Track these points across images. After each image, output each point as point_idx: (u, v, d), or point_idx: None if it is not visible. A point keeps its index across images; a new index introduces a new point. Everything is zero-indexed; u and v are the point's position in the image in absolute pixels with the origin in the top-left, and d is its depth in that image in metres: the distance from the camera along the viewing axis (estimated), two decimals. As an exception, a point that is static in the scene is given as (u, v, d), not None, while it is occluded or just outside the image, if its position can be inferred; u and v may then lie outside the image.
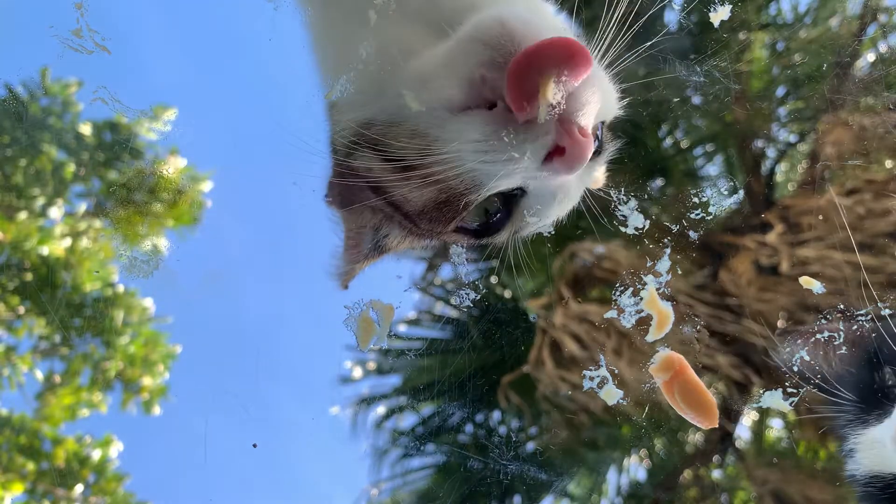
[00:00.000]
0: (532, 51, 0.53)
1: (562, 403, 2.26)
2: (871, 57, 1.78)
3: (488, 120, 0.56)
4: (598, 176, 0.87)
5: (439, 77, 0.58)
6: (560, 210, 0.73)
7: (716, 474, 2.40)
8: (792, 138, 2.33)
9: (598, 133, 0.70)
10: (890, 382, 0.82)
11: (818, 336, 0.91)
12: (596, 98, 0.59)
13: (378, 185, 0.65)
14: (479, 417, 2.40)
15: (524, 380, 2.25)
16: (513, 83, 0.53)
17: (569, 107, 0.56)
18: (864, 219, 1.77)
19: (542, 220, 0.72)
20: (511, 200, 0.68)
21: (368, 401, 2.32)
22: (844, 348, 0.90)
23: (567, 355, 2.11)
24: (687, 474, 2.32)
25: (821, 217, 1.92)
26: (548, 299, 2.28)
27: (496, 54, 0.55)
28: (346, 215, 0.74)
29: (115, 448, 2.17)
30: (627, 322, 0.86)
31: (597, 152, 0.71)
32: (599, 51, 0.66)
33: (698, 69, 1.02)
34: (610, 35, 0.66)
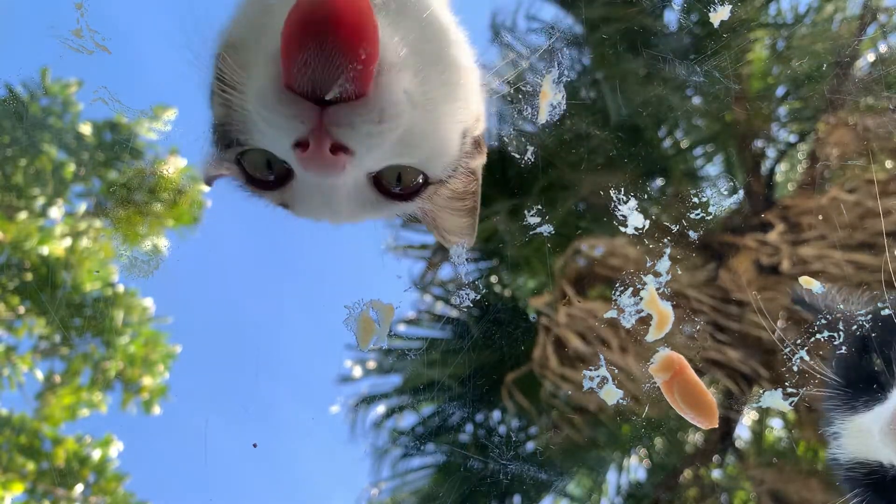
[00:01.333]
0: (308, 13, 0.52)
1: (566, 401, 2.26)
2: (871, 57, 1.78)
3: (273, 76, 0.56)
4: (452, 239, 0.84)
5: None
6: (318, 213, 0.72)
7: (716, 474, 2.41)
8: (792, 138, 2.33)
9: (411, 178, 0.68)
10: (878, 369, 0.82)
11: (818, 336, 0.91)
12: (379, 135, 0.57)
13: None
14: (480, 417, 2.40)
15: (528, 378, 2.25)
16: (286, 43, 0.53)
17: (336, 117, 0.55)
18: (865, 218, 1.77)
19: (301, 211, 0.71)
20: (285, 173, 0.68)
21: (368, 400, 2.33)
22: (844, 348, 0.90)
23: (572, 353, 2.11)
24: (687, 474, 2.33)
25: (821, 217, 1.92)
26: (550, 297, 2.28)
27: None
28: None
29: (115, 448, 2.18)
30: (627, 322, 0.86)
31: (401, 196, 0.69)
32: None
33: (698, 69, 1.02)
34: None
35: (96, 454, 2.13)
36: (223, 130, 0.65)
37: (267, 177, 0.68)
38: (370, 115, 0.55)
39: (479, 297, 0.88)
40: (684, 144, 2.39)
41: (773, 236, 2.01)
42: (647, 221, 0.87)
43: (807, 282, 0.89)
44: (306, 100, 0.54)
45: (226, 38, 0.66)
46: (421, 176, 0.67)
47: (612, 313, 0.87)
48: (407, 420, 2.39)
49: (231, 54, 0.63)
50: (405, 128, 0.59)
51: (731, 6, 0.83)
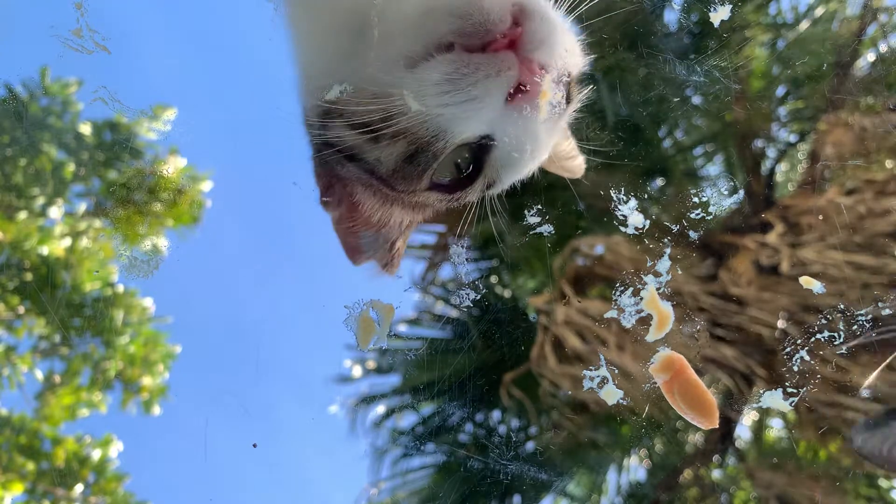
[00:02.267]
0: None
1: (565, 400, 2.27)
2: (871, 57, 1.78)
3: (447, 59, 0.56)
4: (578, 164, 0.86)
5: (402, 37, 0.58)
6: (532, 162, 0.72)
7: (716, 474, 2.41)
8: (792, 138, 2.33)
9: (566, 82, 0.69)
10: None
11: (818, 336, 0.91)
12: (556, 38, 0.58)
13: (352, 153, 0.66)
14: (480, 417, 2.40)
15: (527, 377, 2.25)
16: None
17: (528, 43, 0.55)
18: (864, 218, 1.77)
19: (514, 172, 0.72)
20: (481, 153, 0.67)
21: (368, 400, 2.32)
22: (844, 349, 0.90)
23: (570, 352, 2.11)
24: (687, 474, 2.32)
25: (821, 217, 1.92)
26: (549, 296, 2.28)
27: (467, 25, 0.55)
28: (340, 211, 0.75)
29: (115, 448, 2.17)
30: (628, 322, 0.86)
31: (567, 100, 0.70)
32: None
33: (698, 69, 1.02)
34: None
35: (96, 454, 2.13)
36: (403, 164, 0.64)
37: (461, 175, 0.68)
38: (546, 20, 0.56)
39: (479, 297, 0.88)
40: (684, 144, 2.39)
41: (772, 237, 2.01)
42: (648, 221, 0.87)
43: (807, 282, 0.89)
44: (492, 47, 0.54)
45: (325, 90, 0.64)
46: (567, 76, 0.68)
47: (612, 313, 0.87)
48: (407, 420, 2.39)
49: (360, 101, 0.61)
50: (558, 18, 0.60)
51: (731, 6, 0.83)
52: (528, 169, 0.73)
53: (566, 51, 0.63)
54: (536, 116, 0.59)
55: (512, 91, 0.57)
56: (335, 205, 0.75)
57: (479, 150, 0.66)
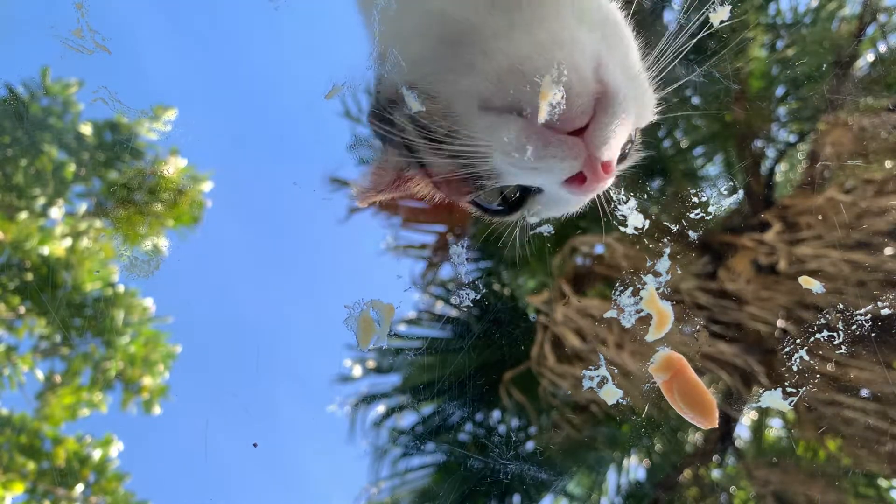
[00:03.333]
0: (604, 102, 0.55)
1: (564, 400, 2.27)
2: (871, 57, 1.78)
3: (522, 127, 0.57)
4: None
5: (486, 77, 0.58)
6: (570, 210, 0.75)
7: (716, 474, 2.41)
8: (792, 138, 2.33)
9: (631, 136, 0.71)
10: None
11: (817, 336, 0.91)
12: (626, 129, 0.60)
13: (409, 143, 0.67)
14: (480, 416, 2.40)
15: (526, 376, 2.25)
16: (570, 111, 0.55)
17: (598, 139, 0.57)
18: (863, 217, 1.77)
19: (556, 213, 0.74)
20: (527, 192, 0.69)
21: (368, 400, 2.33)
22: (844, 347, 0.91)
23: (570, 351, 2.11)
24: (687, 474, 2.33)
25: (820, 217, 1.93)
26: (549, 295, 2.28)
27: (573, 96, 0.55)
28: (383, 146, 0.75)
29: (116, 448, 2.17)
30: (627, 322, 0.86)
31: (621, 157, 0.72)
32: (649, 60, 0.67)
33: (698, 69, 1.02)
34: (668, 52, 0.67)
35: (96, 454, 2.13)
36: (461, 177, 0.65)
37: (503, 204, 0.70)
38: (617, 117, 0.57)
39: (478, 297, 0.88)
40: (684, 144, 2.39)
41: (770, 236, 2.01)
42: (647, 221, 0.87)
43: (806, 281, 0.89)
44: (570, 135, 0.56)
45: (411, 86, 0.64)
46: (633, 132, 0.71)
47: (611, 313, 0.87)
48: (407, 419, 2.39)
49: (431, 109, 0.62)
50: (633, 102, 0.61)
51: (730, 6, 0.83)
52: (566, 213, 0.76)
53: (639, 113, 0.65)
54: (586, 198, 0.62)
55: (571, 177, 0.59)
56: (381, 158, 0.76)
57: (526, 188, 0.69)
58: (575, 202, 0.71)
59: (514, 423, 2.39)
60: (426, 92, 0.63)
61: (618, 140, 0.59)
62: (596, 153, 0.57)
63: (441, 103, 0.62)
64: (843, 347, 0.92)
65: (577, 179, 0.59)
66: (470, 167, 0.62)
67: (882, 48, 1.80)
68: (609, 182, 0.61)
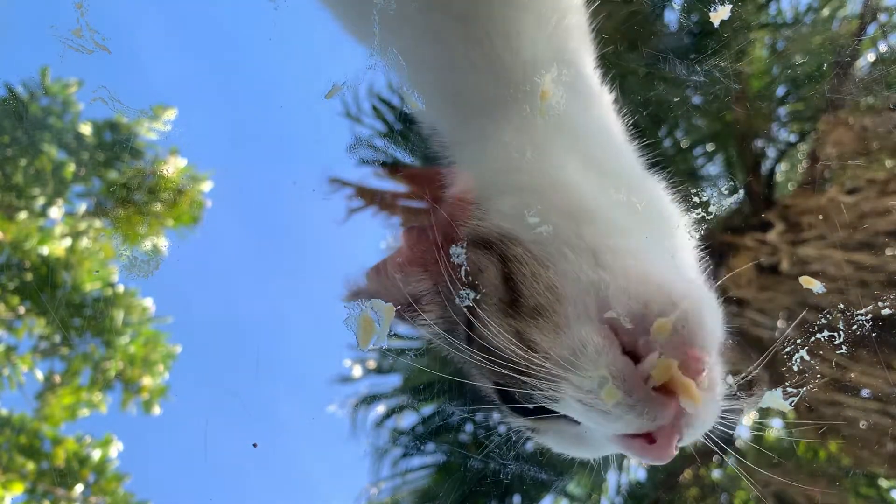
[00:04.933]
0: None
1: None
2: (871, 57, 1.78)
3: (618, 365, 0.52)
4: None
5: (629, 287, 0.54)
6: (581, 456, 0.73)
7: (716, 474, 2.40)
8: (792, 138, 2.33)
9: None
10: None
11: (818, 336, 0.91)
12: (712, 417, 0.58)
13: (473, 285, 0.61)
14: (479, 417, 2.40)
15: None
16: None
17: (691, 420, 0.53)
18: (865, 217, 1.77)
19: (564, 449, 0.71)
20: (548, 411, 0.63)
21: (368, 400, 2.32)
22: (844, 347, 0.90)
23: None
24: (687, 474, 2.32)
25: (821, 216, 1.92)
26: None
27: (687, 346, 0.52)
28: (414, 258, 0.70)
29: (115, 448, 2.17)
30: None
31: None
32: None
33: (698, 69, 1.02)
34: None
35: (96, 454, 2.13)
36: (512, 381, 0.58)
37: (525, 406, 0.63)
38: (713, 409, 0.55)
39: (479, 297, 0.88)
40: (684, 144, 2.39)
41: (771, 236, 2.01)
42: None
43: (807, 282, 0.89)
44: (664, 395, 0.51)
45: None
46: None
47: (610, 313, 0.87)
48: (407, 420, 2.39)
49: (534, 276, 0.57)
50: None
51: (731, 6, 0.83)
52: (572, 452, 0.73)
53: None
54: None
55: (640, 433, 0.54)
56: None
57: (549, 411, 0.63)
58: (603, 451, 0.65)
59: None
60: (537, 257, 0.58)
61: (709, 419, 0.56)
62: (681, 427, 0.53)
63: (549, 276, 0.57)
64: (843, 347, 0.92)
65: (643, 439, 0.53)
66: (530, 373, 0.55)
67: (882, 48, 1.79)
68: (671, 456, 0.55)
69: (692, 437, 0.56)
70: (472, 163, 0.66)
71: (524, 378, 0.56)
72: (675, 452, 0.54)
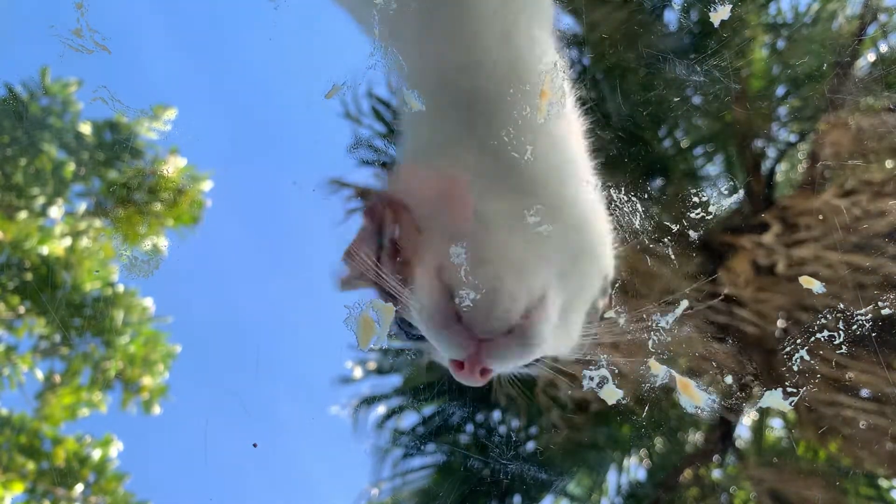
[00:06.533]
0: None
1: (564, 400, 2.27)
2: (871, 57, 1.78)
3: (442, 302, 0.64)
4: None
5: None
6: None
7: (716, 474, 2.41)
8: (792, 138, 2.33)
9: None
10: None
11: (818, 336, 0.91)
12: (522, 361, 0.67)
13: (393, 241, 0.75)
14: (480, 417, 2.40)
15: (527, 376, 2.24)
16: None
17: (492, 352, 0.64)
18: (862, 219, 1.77)
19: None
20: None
21: (369, 401, 2.33)
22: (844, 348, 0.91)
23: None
24: (687, 474, 2.33)
25: (820, 217, 1.93)
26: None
27: (496, 312, 0.63)
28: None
29: (115, 448, 2.17)
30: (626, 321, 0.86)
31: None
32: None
33: (698, 69, 1.02)
34: None
35: (96, 454, 2.13)
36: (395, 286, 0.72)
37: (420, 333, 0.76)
38: (521, 350, 0.63)
39: (478, 297, 0.88)
40: (684, 144, 2.39)
41: (768, 237, 2.01)
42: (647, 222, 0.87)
43: (807, 281, 0.89)
44: (470, 336, 0.63)
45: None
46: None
47: (611, 313, 0.87)
48: (407, 420, 2.39)
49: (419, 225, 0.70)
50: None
51: (731, 6, 0.83)
52: None
53: (545, 351, 0.72)
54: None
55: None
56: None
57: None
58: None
59: (515, 423, 2.39)
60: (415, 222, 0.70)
61: (509, 364, 0.65)
62: (483, 360, 0.64)
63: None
64: (843, 347, 0.92)
65: (458, 366, 0.66)
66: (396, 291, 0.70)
67: (883, 48, 1.80)
68: (482, 383, 0.67)
69: (503, 368, 0.66)
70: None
71: (405, 305, 0.71)
72: (485, 379, 0.66)
